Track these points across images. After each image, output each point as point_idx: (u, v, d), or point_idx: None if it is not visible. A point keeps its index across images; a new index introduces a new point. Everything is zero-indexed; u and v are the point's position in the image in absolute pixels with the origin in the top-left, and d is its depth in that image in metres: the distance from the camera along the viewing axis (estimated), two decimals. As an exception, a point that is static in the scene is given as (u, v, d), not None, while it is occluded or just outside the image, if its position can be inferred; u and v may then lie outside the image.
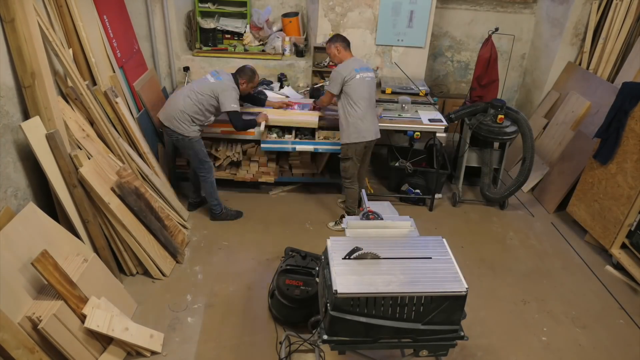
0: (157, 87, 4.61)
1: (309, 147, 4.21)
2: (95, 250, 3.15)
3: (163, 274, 3.48)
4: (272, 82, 4.83)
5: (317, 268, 2.76)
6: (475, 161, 4.63)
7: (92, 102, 3.37)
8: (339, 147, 4.07)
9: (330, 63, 4.61)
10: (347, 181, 4.03)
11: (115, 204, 3.16)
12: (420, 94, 4.62)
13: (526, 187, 4.79)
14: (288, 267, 3.06)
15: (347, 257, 2.25)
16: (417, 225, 2.62)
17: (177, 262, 3.64)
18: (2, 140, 2.68)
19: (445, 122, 4.19)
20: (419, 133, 4.18)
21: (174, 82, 4.92)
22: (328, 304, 2.13)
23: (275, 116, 4.17)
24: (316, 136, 4.24)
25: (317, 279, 2.50)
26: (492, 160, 4.52)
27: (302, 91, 4.79)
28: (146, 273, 3.46)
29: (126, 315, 2.98)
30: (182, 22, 4.86)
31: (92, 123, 3.41)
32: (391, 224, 2.62)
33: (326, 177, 4.65)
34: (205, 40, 4.96)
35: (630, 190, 3.67)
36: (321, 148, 4.22)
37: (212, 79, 3.78)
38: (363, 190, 3.38)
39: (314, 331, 2.44)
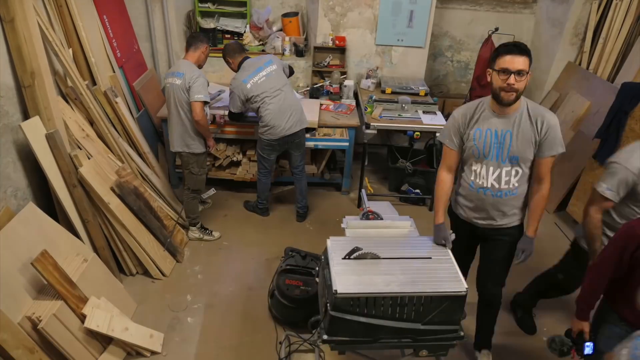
0: (157, 87, 4.61)
1: (309, 144, 4.22)
2: (95, 250, 3.15)
3: (163, 274, 3.48)
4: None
5: (317, 268, 2.76)
6: (475, 161, 4.62)
7: (92, 102, 3.37)
8: (338, 144, 4.08)
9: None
10: None
11: (115, 204, 3.16)
12: (421, 93, 4.61)
13: (526, 187, 4.79)
14: (288, 267, 3.06)
15: (347, 257, 2.25)
16: (417, 225, 2.63)
17: (176, 261, 3.64)
18: (2, 140, 2.68)
19: (445, 122, 4.19)
20: (419, 133, 4.18)
21: (174, 82, 4.91)
22: (328, 304, 2.13)
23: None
24: (317, 133, 4.25)
25: (317, 279, 2.50)
26: (492, 160, 4.51)
27: (302, 91, 4.78)
28: (146, 273, 3.46)
29: (126, 315, 2.98)
30: (182, 22, 4.86)
31: (92, 123, 3.41)
32: (391, 224, 2.62)
33: (326, 177, 4.65)
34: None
35: (630, 190, 3.67)
36: (321, 144, 4.22)
37: (269, 68, 3.70)
38: (363, 190, 3.39)
39: (314, 331, 2.44)
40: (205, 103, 3.43)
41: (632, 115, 3.66)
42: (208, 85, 3.54)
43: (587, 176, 4.11)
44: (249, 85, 3.61)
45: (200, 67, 3.56)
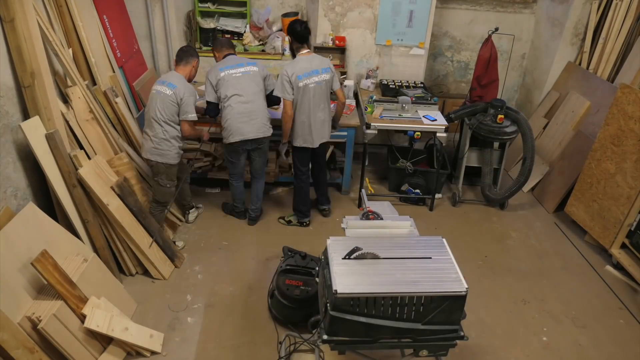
0: (157, 87, 4.61)
1: None
2: (95, 250, 3.15)
3: (162, 277, 3.47)
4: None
5: (317, 268, 2.76)
6: (476, 161, 4.63)
7: (92, 102, 3.37)
8: (337, 134, 4.15)
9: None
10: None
11: (114, 205, 3.15)
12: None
13: (526, 187, 4.79)
14: (288, 267, 3.06)
15: (347, 257, 2.25)
16: (417, 225, 2.62)
17: (175, 266, 3.59)
18: (2, 140, 2.68)
19: (445, 122, 4.19)
20: (419, 133, 4.18)
21: (173, 82, 4.91)
22: (328, 304, 2.13)
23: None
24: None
25: (317, 279, 2.50)
26: (492, 160, 4.52)
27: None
28: (146, 273, 3.46)
29: (126, 315, 2.98)
30: (182, 22, 4.86)
31: (92, 123, 3.41)
32: (391, 224, 2.62)
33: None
34: (205, 40, 4.96)
35: (630, 190, 3.67)
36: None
37: (249, 68, 3.68)
38: (363, 190, 3.39)
39: (314, 331, 2.44)
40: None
41: (631, 115, 3.67)
42: (197, 99, 3.56)
43: (585, 176, 4.11)
44: (222, 74, 3.60)
45: (190, 81, 3.56)
